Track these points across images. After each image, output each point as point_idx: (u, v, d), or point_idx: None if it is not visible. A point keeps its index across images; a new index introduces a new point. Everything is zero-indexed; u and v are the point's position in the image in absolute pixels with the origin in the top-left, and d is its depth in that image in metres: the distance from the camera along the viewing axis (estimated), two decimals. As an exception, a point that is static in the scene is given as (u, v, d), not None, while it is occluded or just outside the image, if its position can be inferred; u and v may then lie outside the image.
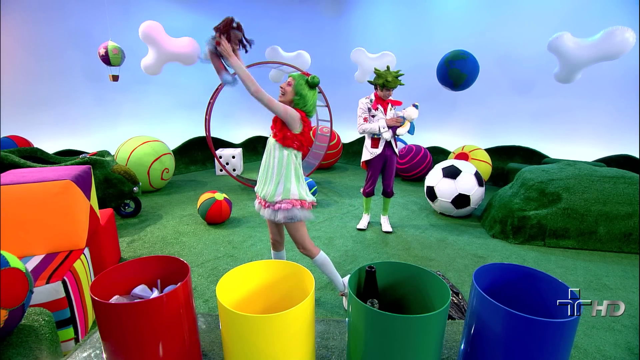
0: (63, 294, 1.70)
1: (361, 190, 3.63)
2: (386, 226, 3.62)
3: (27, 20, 4.76)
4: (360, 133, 3.35)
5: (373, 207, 4.12)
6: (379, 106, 3.26)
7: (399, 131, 3.24)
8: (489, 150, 5.46)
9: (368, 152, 3.36)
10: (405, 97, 3.57)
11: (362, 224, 3.68)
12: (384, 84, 3.17)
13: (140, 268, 0.97)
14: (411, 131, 3.27)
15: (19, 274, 1.21)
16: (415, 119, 3.21)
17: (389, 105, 3.31)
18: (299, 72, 1.94)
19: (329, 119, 5.38)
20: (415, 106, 3.21)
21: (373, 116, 3.29)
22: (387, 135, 3.23)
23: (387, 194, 3.53)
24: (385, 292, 0.94)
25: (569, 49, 3.92)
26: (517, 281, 0.90)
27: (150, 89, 5.88)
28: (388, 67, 3.24)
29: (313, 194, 4.31)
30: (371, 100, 3.27)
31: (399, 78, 3.20)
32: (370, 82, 3.31)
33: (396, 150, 3.38)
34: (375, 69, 3.25)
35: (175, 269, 0.96)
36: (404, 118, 3.24)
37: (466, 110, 5.94)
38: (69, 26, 5.01)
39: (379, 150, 3.30)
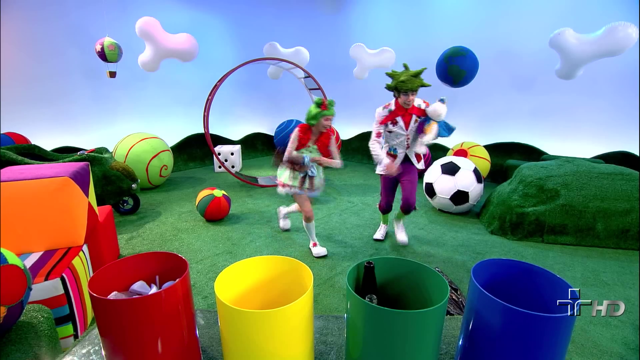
0: (62, 291, 1.70)
1: (377, 204, 3.23)
2: (401, 235, 3.13)
3: (25, 17, 4.72)
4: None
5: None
6: (399, 118, 2.66)
7: (425, 139, 2.63)
8: (487, 147, 5.46)
9: (381, 166, 2.86)
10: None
11: (379, 234, 3.31)
12: (397, 86, 2.56)
13: (139, 264, 0.97)
14: (443, 132, 2.60)
15: (17, 270, 1.21)
16: (443, 116, 2.56)
17: (413, 117, 2.66)
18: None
19: (327, 116, 5.37)
20: (442, 100, 2.55)
21: (390, 132, 2.73)
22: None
23: (406, 209, 2.91)
24: (383, 287, 0.94)
25: (570, 45, 3.91)
26: (516, 277, 0.91)
27: (148, 86, 5.86)
28: (405, 66, 2.63)
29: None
30: (389, 111, 2.68)
31: (422, 77, 2.57)
32: (386, 87, 2.72)
33: (416, 163, 2.85)
34: (388, 72, 2.68)
35: (173, 265, 0.96)
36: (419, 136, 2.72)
37: (465, 107, 5.93)
38: (66, 23, 4.97)
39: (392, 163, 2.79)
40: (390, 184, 2.97)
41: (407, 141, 2.76)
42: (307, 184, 2.84)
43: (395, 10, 6.42)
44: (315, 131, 2.75)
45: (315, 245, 3.04)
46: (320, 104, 2.63)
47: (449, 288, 1.09)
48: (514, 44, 5.21)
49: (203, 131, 4.97)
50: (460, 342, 0.89)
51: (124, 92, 5.64)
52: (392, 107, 2.69)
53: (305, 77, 5.41)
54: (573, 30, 3.95)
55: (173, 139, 6.15)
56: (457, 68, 3.86)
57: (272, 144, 7.57)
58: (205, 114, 4.85)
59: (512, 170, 4.62)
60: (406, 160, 2.86)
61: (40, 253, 1.92)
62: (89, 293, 0.78)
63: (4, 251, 1.21)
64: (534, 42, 4.91)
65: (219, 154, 5.85)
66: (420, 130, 2.70)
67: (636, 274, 2.70)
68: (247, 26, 6.75)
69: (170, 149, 5.07)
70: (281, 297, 0.95)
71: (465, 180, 3.78)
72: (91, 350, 0.98)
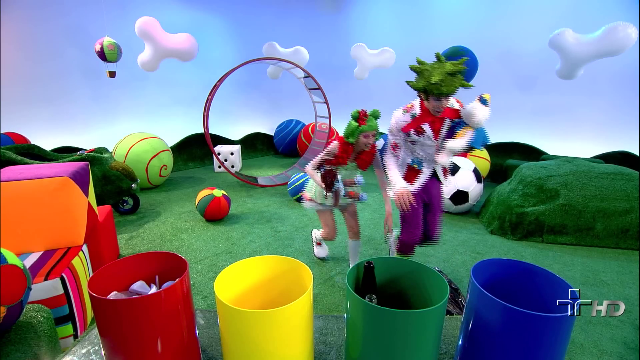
0: (61, 291, 1.70)
1: (392, 244, 2.30)
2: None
3: (25, 17, 4.72)
4: None
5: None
6: (426, 126, 1.95)
7: (451, 145, 1.89)
8: (487, 147, 5.46)
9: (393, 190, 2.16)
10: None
11: None
12: (427, 87, 1.80)
13: (139, 264, 0.97)
14: (477, 142, 1.89)
15: (17, 270, 1.21)
16: (484, 121, 1.83)
17: (445, 122, 1.95)
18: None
19: (327, 116, 5.37)
20: (482, 101, 1.81)
21: (413, 142, 2.03)
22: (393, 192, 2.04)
23: (429, 239, 2.24)
24: (383, 287, 0.94)
25: (570, 46, 3.92)
26: (515, 277, 0.91)
27: (148, 85, 5.86)
28: (439, 57, 1.83)
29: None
30: (413, 115, 1.97)
31: (460, 75, 1.79)
32: (409, 84, 1.92)
33: (442, 178, 2.15)
34: (413, 65, 1.88)
35: (173, 265, 0.96)
36: (456, 128, 1.93)
37: (465, 107, 5.94)
38: (66, 23, 4.97)
39: (413, 187, 2.09)
40: (417, 210, 2.09)
41: (436, 153, 2.05)
42: (331, 199, 2.34)
43: (395, 10, 6.42)
44: (357, 149, 2.18)
45: (319, 244, 2.88)
46: (357, 118, 2.07)
47: (449, 288, 1.09)
48: (514, 44, 5.21)
49: (203, 131, 4.97)
50: (460, 342, 0.89)
51: (124, 92, 5.64)
52: (417, 111, 1.96)
53: (305, 77, 5.41)
54: (572, 31, 3.96)
55: (173, 139, 6.15)
56: (456, 68, 3.86)
57: (272, 144, 7.57)
58: (205, 113, 4.85)
59: (512, 170, 4.62)
60: (432, 178, 2.15)
61: (40, 253, 1.92)
62: (89, 293, 0.78)
63: (4, 251, 1.21)
64: (534, 42, 4.91)
65: (219, 153, 5.85)
66: (450, 136, 1.99)
67: (636, 274, 2.70)
68: (246, 26, 6.75)
69: (170, 149, 5.07)
70: (281, 297, 0.95)
71: (465, 180, 3.78)
72: (91, 350, 0.98)
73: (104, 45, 4.22)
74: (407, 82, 1.92)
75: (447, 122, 1.97)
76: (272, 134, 7.44)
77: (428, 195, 2.13)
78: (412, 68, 1.88)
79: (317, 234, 2.83)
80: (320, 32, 7.01)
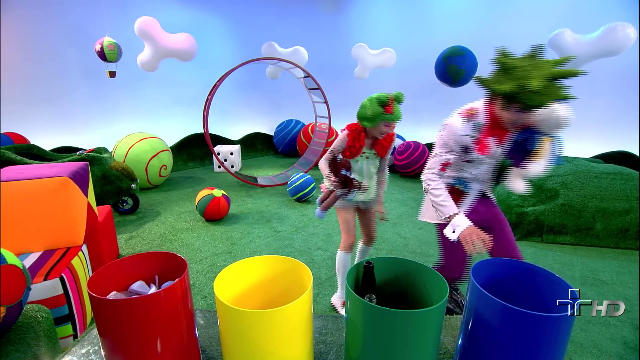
0: (61, 291, 1.70)
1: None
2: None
3: (25, 17, 4.72)
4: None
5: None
6: (491, 140, 1.51)
7: (533, 170, 1.50)
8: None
9: (432, 212, 1.72)
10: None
11: None
12: (518, 95, 1.31)
13: (138, 264, 0.97)
14: (556, 156, 1.50)
15: (16, 270, 1.21)
16: (563, 129, 1.41)
17: (510, 134, 1.52)
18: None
19: (327, 116, 5.37)
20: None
21: (469, 161, 1.58)
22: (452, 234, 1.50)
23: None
24: (383, 287, 0.94)
25: (569, 46, 3.93)
26: (515, 276, 0.91)
27: (148, 85, 5.86)
28: (536, 52, 1.45)
29: (311, 190, 4.31)
30: (477, 126, 1.49)
31: (564, 83, 1.29)
32: (489, 84, 1.43)
33: (490, 194, 1.78)
34: (501, 58, 1.46)
35: (173, 265, 0.96)
36: (529, 145, 1.48)
37: (465, 107, 5.94)
38: (66, 23, 4.97)
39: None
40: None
41: (489, 172, 1.69)
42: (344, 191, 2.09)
43: (395, 10, 6.42)
44: (370, 135, 1.97)
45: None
46: (385, 104, 1.79)
47: (449, 287, 1.09)
48: (514, 44, 5.20)
49: (202, 131, 4.97)
50: (459, 342, 0.89)
51: (124, 92, 5.64)
52: (482, 120, 1.48)
53: (305, 77, 5.41)
54: (571, 31, 3.97)
55: (172, 139, 6.15)
56: (455, 67, 3.86)
57: (272, 144, 7.57)
58: (205, 113, 4.85)
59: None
60: (483, 199, 1.75)
61: (40, 253, 1.92)
62: (88, 293, 0.78)
63: (3, 251, 1.21)
64: (534, 42, 4.90)
65: (219, 153, 5.85)
66: (518, 155, 1.55)
67: (635, 274, 2.71)
68: (246, 26, 6.75)
69: (169, 149, 5.07)
70: (281, 297, 0.95)
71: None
72: (90, 350, 0.98)
73: (104, 45, 4.22)
74: (486, 81, 1.41)
75: (510, 135, 1.53)
76: (272, 134, 7.44)
77: (485, 218, 1.68)
78: (500, 62, 1.40)
79: (337, 300, 2.35)
80: (320, 32, 7.01)
